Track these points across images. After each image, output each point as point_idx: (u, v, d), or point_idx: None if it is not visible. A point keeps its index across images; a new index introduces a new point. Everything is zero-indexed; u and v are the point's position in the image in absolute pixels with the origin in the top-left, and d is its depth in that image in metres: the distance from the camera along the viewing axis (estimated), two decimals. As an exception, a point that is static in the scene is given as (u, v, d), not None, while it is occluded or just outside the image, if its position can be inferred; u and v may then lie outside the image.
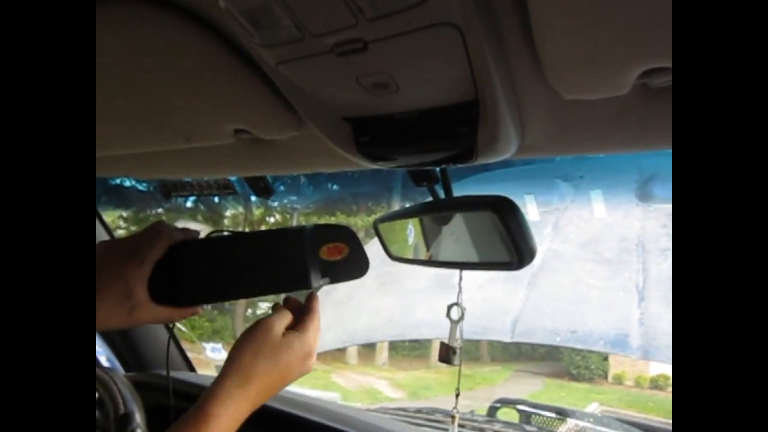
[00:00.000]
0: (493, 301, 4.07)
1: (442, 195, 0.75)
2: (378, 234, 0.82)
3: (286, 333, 0.61)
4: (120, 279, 0.59)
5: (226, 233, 0.67)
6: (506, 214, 0.60)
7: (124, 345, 1.60)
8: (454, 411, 0.96)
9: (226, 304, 10.67)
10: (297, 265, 0.62)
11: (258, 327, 0.60)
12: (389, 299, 4.87)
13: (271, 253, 0.63)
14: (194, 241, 0.65)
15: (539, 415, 1.90)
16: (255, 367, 0.58)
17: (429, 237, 0.78)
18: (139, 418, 1.21)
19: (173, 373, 1.54)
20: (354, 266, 0.65)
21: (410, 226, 0.80)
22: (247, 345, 0.59)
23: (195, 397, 0.56)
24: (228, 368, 0.57)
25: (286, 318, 0.62)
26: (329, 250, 0.64)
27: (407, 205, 0.83)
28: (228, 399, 0.55)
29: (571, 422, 1.83)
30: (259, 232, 0.70)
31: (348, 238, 0.65)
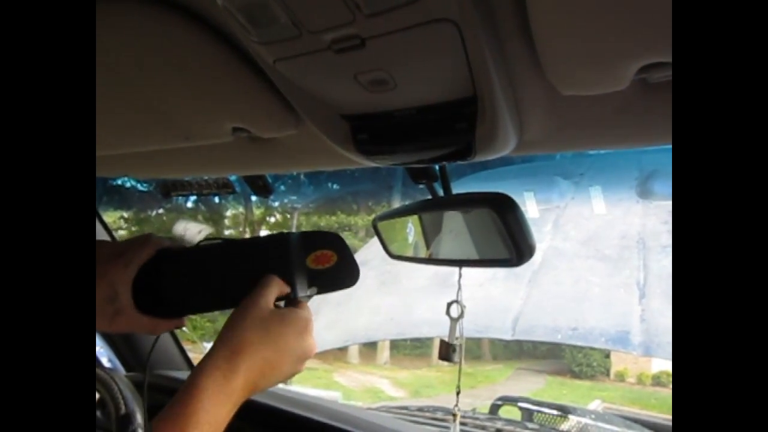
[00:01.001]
0: (493, 299, 4.07)
1: (441, 193, 0.75)
2: (377, 232, 0.82)
3: (278, 306, 0.58)
4: (104, 279, 0.57)
5: (216, 241, 0.64)
6: (505, 210, 0.60)
7: (125, 345, 1.60)
8: (455, 409, 0.96)
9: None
10: (282, 275, 0.60)
11: (245, 300, 0.57)
12: (390, 298, 4.88)
13: (257, 262, 0.61)
14: (181, 248, 0.63)
15: (541, 412, 1.91)
16: (243, 338, 0.54)
17: (429, 235, 0.78)
18: (140, 417, 1.21)
19: (175, 373, 1.55)
20: (343, 275, 0.62)
21: (410, 224, 0.80)
22: (235, 318, 0.56)
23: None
24: (216, 342, 0.55)
25: (274, 287, 0.57)
26: (317, 257, 0.61)
27: (407, 203, 0.83)
28: (216, 370, 0.52)
29: (573, 419, 1.83)
30: (245, 240, 0.67)
31: (336, 245, 0.62)
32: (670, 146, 0.53)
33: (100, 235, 1.57)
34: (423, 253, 0.79)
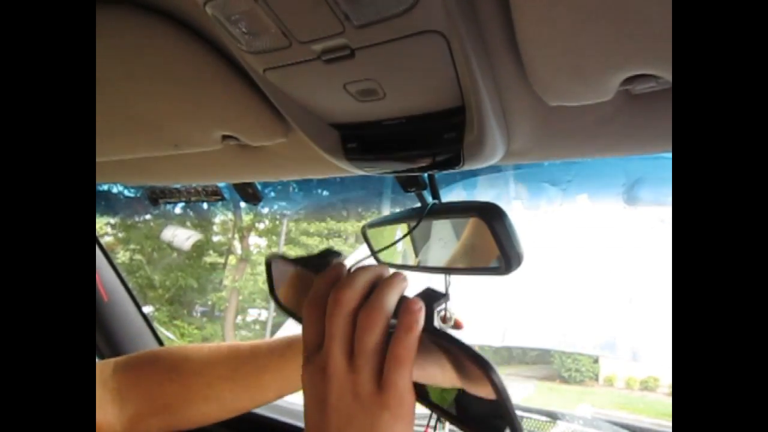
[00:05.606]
0: (482, 306, 4.09)
1: (430, 201, 0.75)
2: (366, 239, 0.82)
3: None
4: None
5: None
6: (493, 219, 0.60)
7: (107, 347, 1.59)
8: (445, 415, 0.96)
9: (216, 311, 10.59)
10: None
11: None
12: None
13: None
14: None
15: (529, 418, 1.91)
16: None
17: (417, 242, 0.78)
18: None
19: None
20: None
21: (398, 232, 0.80)
22: None
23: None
24: None
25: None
26: None
27: (396, 210, 0.83)
28: None
29: (561, 425, 1.84)
30: None
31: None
32: (655, 155, 0.54)
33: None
34: (411, 261, 0.79)
